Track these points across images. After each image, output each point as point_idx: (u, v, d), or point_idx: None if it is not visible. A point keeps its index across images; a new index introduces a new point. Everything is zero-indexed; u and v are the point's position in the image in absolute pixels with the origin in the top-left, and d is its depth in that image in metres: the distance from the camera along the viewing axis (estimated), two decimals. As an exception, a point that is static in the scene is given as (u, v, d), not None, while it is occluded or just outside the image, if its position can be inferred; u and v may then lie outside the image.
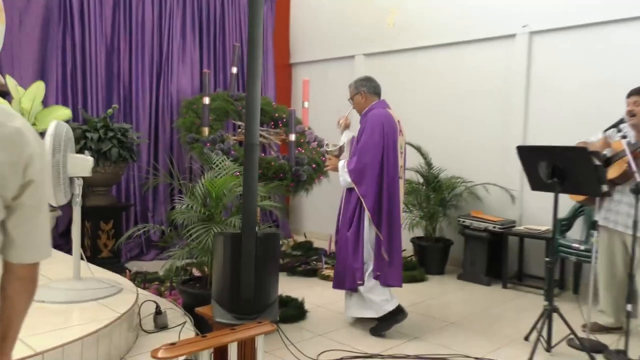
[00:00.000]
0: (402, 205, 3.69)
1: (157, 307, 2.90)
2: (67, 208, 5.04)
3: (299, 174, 4.80)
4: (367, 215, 3.55)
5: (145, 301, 2.92)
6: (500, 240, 4.83)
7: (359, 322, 3.75)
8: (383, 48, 6.17)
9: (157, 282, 4.13)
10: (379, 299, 3.53)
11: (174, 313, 3.07)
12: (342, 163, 3.65)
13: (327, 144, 3.92)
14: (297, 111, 6.19)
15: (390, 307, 3.57)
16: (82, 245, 4.82)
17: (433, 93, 5.73)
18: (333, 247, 5.57)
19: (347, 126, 3.86)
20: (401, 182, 3.69)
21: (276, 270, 2.64)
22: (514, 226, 4.92)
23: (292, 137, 4.88)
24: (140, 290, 3.51)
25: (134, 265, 4.96)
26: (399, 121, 3.71)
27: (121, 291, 2.84)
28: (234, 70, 5.51)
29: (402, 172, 3.71)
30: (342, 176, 3.60)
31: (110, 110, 4.63)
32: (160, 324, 2.88)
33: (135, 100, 5.60)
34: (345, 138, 3.91)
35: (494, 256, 4.93)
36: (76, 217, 2.83)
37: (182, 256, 3.22)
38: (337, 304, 4.11)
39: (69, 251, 5.09)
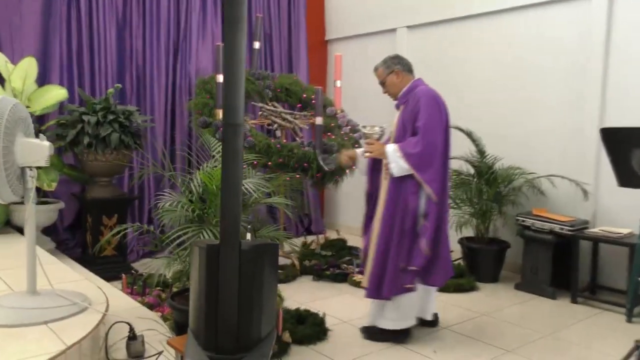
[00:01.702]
0: None
1: (131, 330, 2.32)
2: (72, 199, 4.59)
3: (326, 164, 4.11)
4: (422, 207, 3.04)
5: (116, 322, 2.33)
6: (569, 245, 3.99)
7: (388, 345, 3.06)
8: (429, 18, 5.36)
9: (159, 288, 3.56)
10: (402, 309, 3.09)
11: (157, 336, 2.48)
12: (392, 147, 3.03)
13: (364, 126, 3.24)
14: (329, 91, 5.52)
15: (406, 324, 3.14)
16: (84, 242, 4.36)
17: (488, 69, 4.90)
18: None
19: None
20: None
21: (271, 294, 1.98)
22: (586, 227, 4.06)
23: (319, 120, 4.19)
24: (126, 302, 2.95)
25: (143, 265, 4.44)
26: None
27: (85, 310, 2.26)
28: (257, 45, 4.86)
29: None
30: (394, 162, 3.00)
31: (111, 90, 4.08)
32: (134, 353, 2.30)
33: (150, 80, 5.05)
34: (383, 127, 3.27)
35: (561, 263, 4.10)
36: (29, 216, 2.26)
37: (169, 264, 2.62)
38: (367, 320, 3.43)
39: (74, 247, 4.66)
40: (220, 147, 2.91)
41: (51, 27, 4.51)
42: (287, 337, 2.86)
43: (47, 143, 2.26)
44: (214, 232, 2.48)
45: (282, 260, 4.65)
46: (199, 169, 2.80)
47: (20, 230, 4.07)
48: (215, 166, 2.76)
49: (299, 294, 3.95)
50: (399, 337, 3.13)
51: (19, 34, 4.41)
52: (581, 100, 4.24)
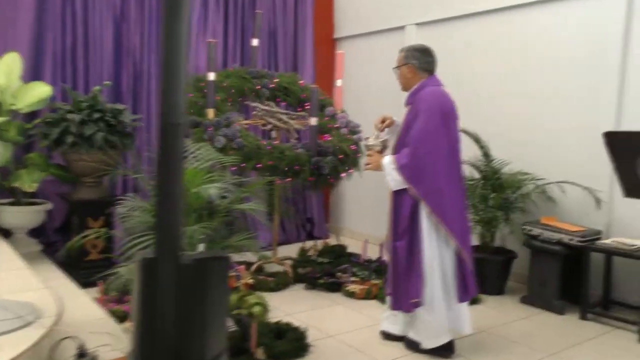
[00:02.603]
0: None
1: (80, 347, 2.15)
2: (60, 200, 4.48)
3: (319, 166, 3.91)
4: (425, 222, 2.82)
5: (64, 338, 2.17)
6: (580, 257, 3.71)
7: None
8: (439, 15, 5.11)
9: (138, 294, 3.40)
10: (435, 324, 2.89)
11: (113, 353, 2.31)
12: (388, 159, 2.89)
13: (366, 138, 3.09)
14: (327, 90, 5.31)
15: (444, 340, 2.93)
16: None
17: (498, 67, 4.62)
18: (371, 254, 4.68)
19: (390, 125, 3.15)
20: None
21: (219, 312, 1.77)
22: (599, 238, 3.76)
23: (314, 121, 3.99)
24: (92, 314, 2.79)
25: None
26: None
27: (30, 324, 2.10)
28: (255, 42, 4.68)
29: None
30: (389, 175, 2.86)
31: (97, 87, 3.94)
32: (83, 370, 2.13)
33: (147, 78, 4.92)
34: (387, 133, 3.13)
35: (571, 276, 3.82)
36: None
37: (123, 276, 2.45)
38: (356, 334, 3.22)
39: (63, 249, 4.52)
40: (192, 147, 2.75)
41: (45, 22, 4.41)
42: (260, 354, 2.67)
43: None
44: (177, 240, 2.30)
45: (275, 267, 4.47)
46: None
47: (5, 232, 3.97)
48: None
49: (288, 304, 3.75)
50: (442, 353, 2.94)
51: (13, 29, 4.31)
52: (596, 100, 3.95)
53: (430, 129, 2.80)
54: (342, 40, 6.33)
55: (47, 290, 2.55)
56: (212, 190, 2.20)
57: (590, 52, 3.98)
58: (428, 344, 2.94)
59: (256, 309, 3.38)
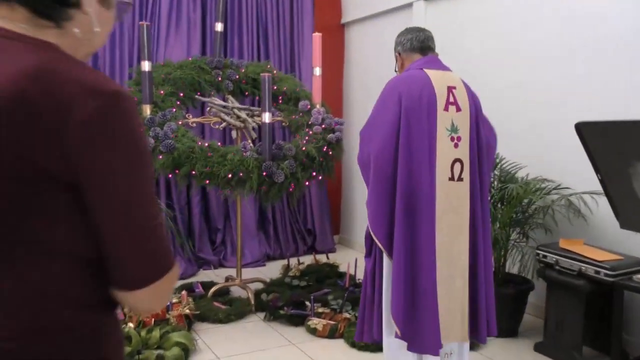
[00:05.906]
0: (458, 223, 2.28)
1: None
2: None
3: (271, 173, 3.16)
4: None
5: None
6: (610, 294, 2.71)
7: None
8: (448, -14, 4.21)
9: None
10: None
11: None
12: None
13: None
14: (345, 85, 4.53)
15: None
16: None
17: (517, 52, 3.66)
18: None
19: None
20: (458, 187, 2.27)
21: None
22: (639, 271, 2.74)
23: (266, 117, 3.24)
24: None
25: None
26: (451, 88, 2.28)
27: None
28: (219, 27, 4.01)
29: (454, 169, 2.27)
30: None
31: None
32: None
33: (109, 74, 4.39)
34: None
35: (601, 318, 2.84)
36: None
37: None
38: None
39: None
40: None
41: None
42: None
43: None
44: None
45: (237, 292, 3.78)
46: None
47: None
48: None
49: (228, 343, 3.04)
50: None
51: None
52: (633, 92, 2.92)
53: (376, 123, 2.34)
54: (351, 24, 5.55)
55: None
56: None
57: (632, 28, 2.96)
58: None
59: (171, 353, 2.71)
